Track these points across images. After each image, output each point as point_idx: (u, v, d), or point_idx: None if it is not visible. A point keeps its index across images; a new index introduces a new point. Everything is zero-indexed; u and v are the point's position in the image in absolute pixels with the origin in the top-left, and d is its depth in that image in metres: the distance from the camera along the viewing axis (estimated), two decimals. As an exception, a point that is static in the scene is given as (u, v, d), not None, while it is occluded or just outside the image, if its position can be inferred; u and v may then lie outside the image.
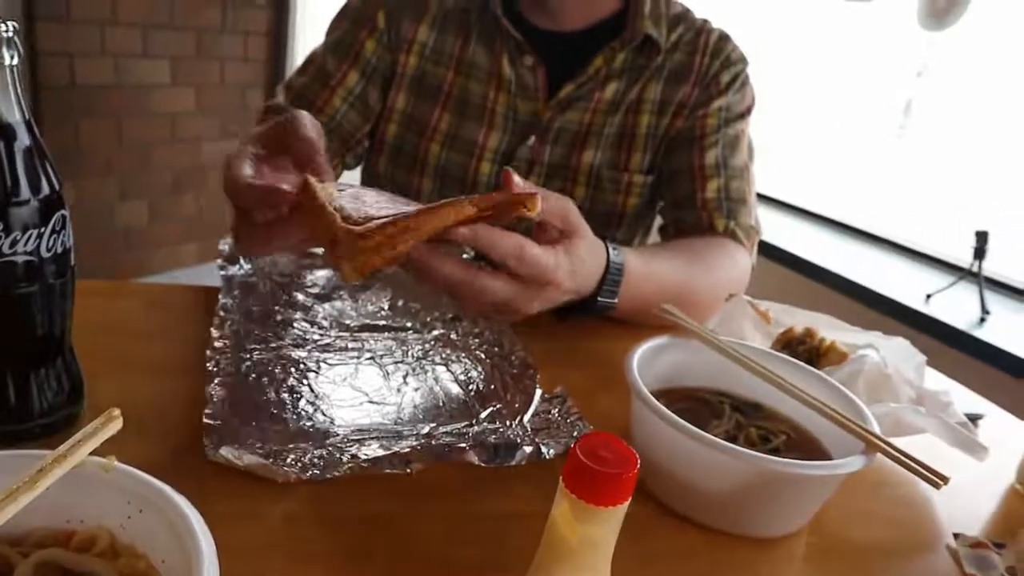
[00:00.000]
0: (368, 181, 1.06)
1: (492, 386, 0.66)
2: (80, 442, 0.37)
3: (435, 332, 0.75)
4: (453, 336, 0.74)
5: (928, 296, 1.72)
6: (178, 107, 2.52)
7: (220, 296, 0.72)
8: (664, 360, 0.63)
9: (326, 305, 0.77)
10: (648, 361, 0.60)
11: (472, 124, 0.96)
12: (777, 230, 2.15)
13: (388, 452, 0.53)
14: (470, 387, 0.66)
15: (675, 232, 0.99)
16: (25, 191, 0.45)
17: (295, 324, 0.72)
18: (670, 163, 0.98)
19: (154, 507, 0.35)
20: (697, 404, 0.62)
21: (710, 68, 0.97)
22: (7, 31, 0.43)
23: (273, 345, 0.67)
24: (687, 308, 0.83)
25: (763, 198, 2.42)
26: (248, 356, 0.65)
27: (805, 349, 0.71)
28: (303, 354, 0.67)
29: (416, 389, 0.65)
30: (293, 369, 0.64)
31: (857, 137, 2.50)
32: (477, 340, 0.74)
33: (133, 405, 0.56)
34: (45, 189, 0.46)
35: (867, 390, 0.65)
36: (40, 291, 0.47)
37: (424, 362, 0.69)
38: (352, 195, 0.57)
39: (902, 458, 0.48)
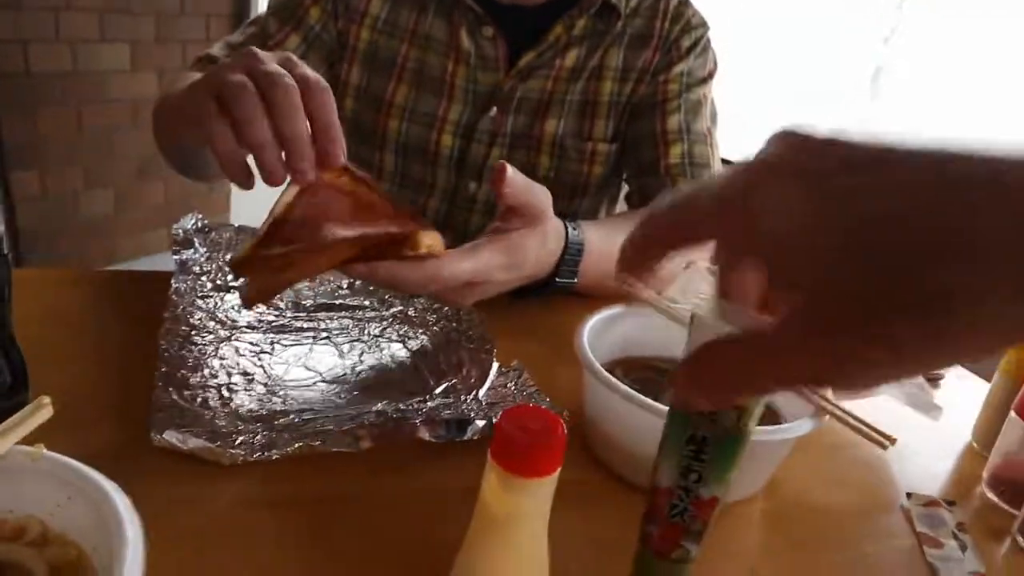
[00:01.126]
0: None
1: (449, 361, 0.66)
2: (7, 431, 0.36)
3: (393, 309, 0.74)
4: (411, 313, 0.74)
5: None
6: (139, 92, 2.47)
7: (173, 280, 0.71)
8: (618, 330, 0.63)
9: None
10: (600, 332, 0.60)
11: (430, 97, 0.95)
12: None
13: (337, 426, 0.53)
14: (426, 363, 0.66)
15: (640, 200, 0.98)
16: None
17: (242, 315, 0.71)
18: (633, 129, 0.98)
19: (83, 494, 0.35)
20: (652, 373, 0.62)
21: (670, 33, 0.96)
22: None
23: (226, 328, 0.66)
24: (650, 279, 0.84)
25: (728, 164, 2.42)
26: (201, 339, 0.64)
27: (762, 315, 0.71)
28: (258, 336, 0.66)
29: (371, 367, 0.64)
30: (247, 352, 0.64)
31: (826, 103, 2.50)
32: (435, 316, 0.73)
33: (80, 393, 0.56)
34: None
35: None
36: (-31, 279, 0.46)
37: (380, 340, 0.69)
38: (310, 207, 0.56)
39: (850, 420, 0.48)
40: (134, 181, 2.55)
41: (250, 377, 0.60)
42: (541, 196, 0.65)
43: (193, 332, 0.64)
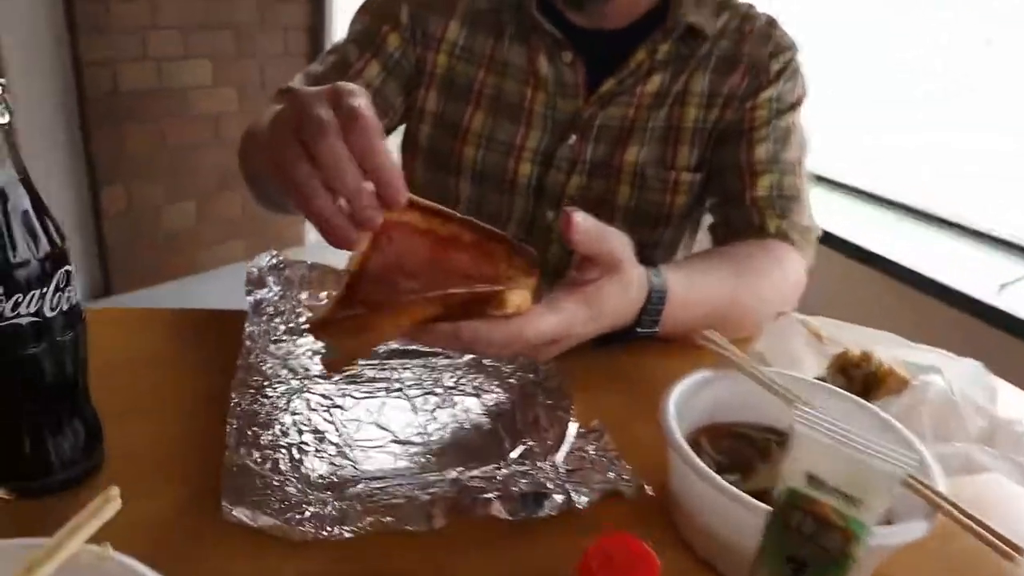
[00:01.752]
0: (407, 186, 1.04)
1: (525, 419, 0.63)
2: (75, 528, 0.35)
3: (467, 356, 0.72)
4: (486, 361, 0.71)
5: (1002, 286, 1.61)
6: (220, 108, 2.53)
7: (246, 323, 0.71)
8: (706, 393, 0.59)
9: None
10: (688, 398, 0.56)
11: (508, 124, 0.92)
12: (833, 214, 2.04)
13: (410, 500, 0.51)
14: (502, 420, 0.63)
15: (724, 232, 0.94)
16: (24, 251, 0.43)
17: (316, 362, 0.69)
18: (719, 158, 0.93)
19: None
20: (741, 443, 0.58)
21: (759, 56, 0.91)
22: (-4, 86, 0.41)
23: (298, 378, 0.65)
24: (735, 326, 0.79)
25: (817, 179, 2.32)
26: (273, 391, 0.63)
27: (862, 375, 0.66)
28: (330, 387, 0.65)
29: (444, 426, 0.62)
30: (319, 405, 0.62)
31: (921, 112, 2.36)
32: (511, 366, 0.71)
33: (150, 453, 0.56)
34: (45, 247, 0.44)
35: (932, 423, 0.60)
36: (47, 350, 0.46)
37: (454, 392, 0.66)
38: (388, 255, 0.54)
39: (971, 525, 0.43)
40: (214, 194, 2.63)
41: (321, 436, 0.59)
42: (617, 243, 0.61)
43: (265, 383, 0.63)
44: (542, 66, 0.90)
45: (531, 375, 0.69)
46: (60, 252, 0.45)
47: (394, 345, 0.72)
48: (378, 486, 0.53)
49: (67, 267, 0.46)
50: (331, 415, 0.61)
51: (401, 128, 1.00)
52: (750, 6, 0.94)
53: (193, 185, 2.53)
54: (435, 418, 0.63)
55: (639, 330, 0.69)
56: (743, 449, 0.57)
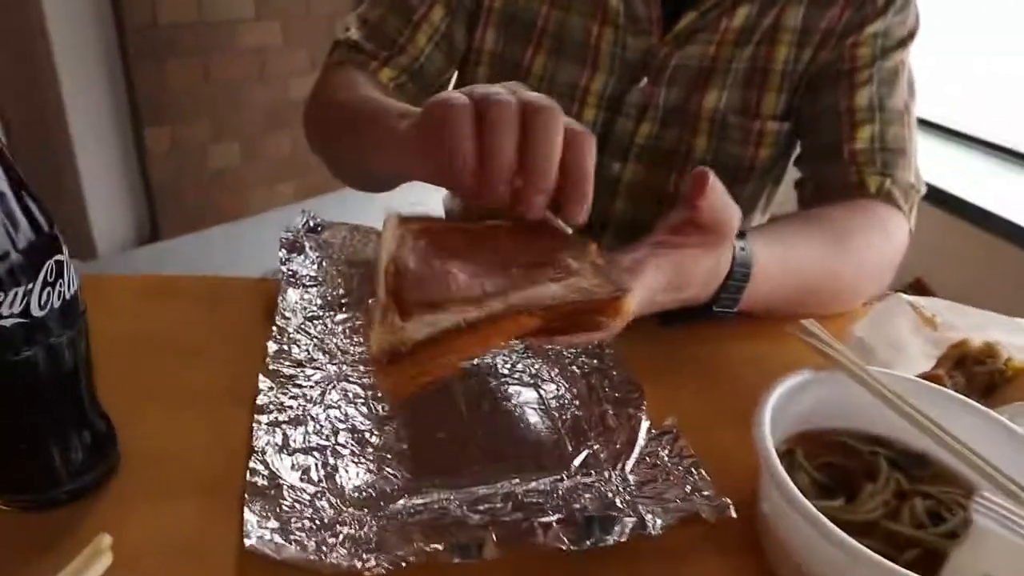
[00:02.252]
0: None
1: (590, 417, 0.55)
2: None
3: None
4: (546, 347, 0.63)
5: None
6: (265, 42, 2.45)
7: (279, 297, 0.64)
8: (805, 397, 0.50)
9: None
10: (784, 404, 0.48)
11: (572, 65, 0.83)
12: (939, 165, 1.83)
13: (458, 522, 0.44)
14: (563, 418, 0.55)
15: (814, 190, 0.82)
16: (1, 243, 0.36)
17: (361, 330, 0.63)
18: (812, 104, 0.81)
19: None
20: (844, 458, 0.49)
21: None
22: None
23: (335, 363, 0.59)
24: (828, 301, 0.70)
25: (922, 124, 2.12)
26: (305, 381, 0.56)
27: (985, 372, 0.56)
28: (369, 374, 0.58)
29: (497, 423, 0.55)
30: (357, 398, 0.56)
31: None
32: (573, 350, 0.63)
33: (170, 448, 0.50)
34: (27, 235, 0.37)
35: (1075, 437, 0.50)
36: (41, 354, 0.39)
37: (510, 381, 0.59)
38: (428, 242, 0.47)
39: None
40: (261, 133, 2.57)
41: (359, 435, 0.52)
42: (735, 216, 0.54)
43: (298, 370, 0.57)
44: None
45: (595, 361, 0.61)
46: (47, 240, 0.38)
47: None
48: (421, 502, 0.46)
49: (57, 257, 0.39)
50: (370, 409, 0.55)
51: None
52: None
53: (239, 124, 2.47)
54: (486, 410, 0.56)
55: (715, 309, 0.61)
56: (846, 464, 0.49)
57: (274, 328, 0.60)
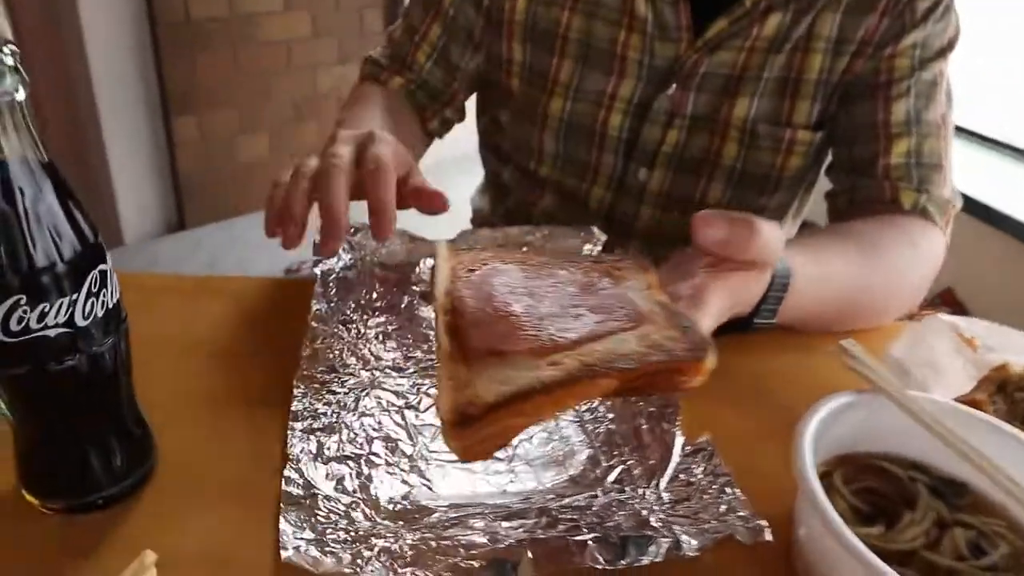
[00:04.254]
0: (490, 134, 0.97)
1: (624, 430, 0.55)
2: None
3: None
4: None
5: None
6: (293, 33, 2.45)
7: (313, 301, 0.64)
8: (845, 420, 0.49)
9: (429, 308, 0.67)
10: (824, 428, 0.47)
11: (598, 72, 0.81)
12: (970, 173, 1.78)
13: (493, 537, 0.44)
14: (597, 432, 0.55)
15: (848, 204, 0.80)
16: (48, 254, 0.36)
17: (395, 336, 0.63)
18: (847, 116, 0.80)
19: None
20: (883, 482, 0.49)
21: None
22: (8, 57, 0.34)
23: (368, 368, 0.59)
24: (862, 316, 0.70)
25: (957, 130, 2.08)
26: (340, 387, 0.56)
27: (1027, 397, 0.55)
28: (403, 381, 0.58)
29: (531, 435, 0.54)
30: (391, 406, 0.56)
31: None
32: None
33: (204, 457, 0.50)
34: (74, 246, 0.38)
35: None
36: (83, 362, 0.39)
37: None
38: (483, 276, 0.46)
39: None
40: (288, 123, 2.57)
41: (393, 445, 0.52)
42: (781, 242, 0.52)
43: (332, 376, 0.57)
44: (639, 5, 0.78)
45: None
46: (92, 250, 0.39)
47: None
48: (456, 516, 0.46)
49: (101, 267, 0.39)
50: (404, 418, 0.55)
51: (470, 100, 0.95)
52: None
53: (267, 115, 2.48)
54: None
55: (756, 321, 0.60)
56: (884, 490, 0.48)
57: (308, 332, 0.61)
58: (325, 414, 0.53)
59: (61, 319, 0.37)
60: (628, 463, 0.52)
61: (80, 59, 2.08)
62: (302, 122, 2.61)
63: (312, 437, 0.51)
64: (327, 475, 0.48)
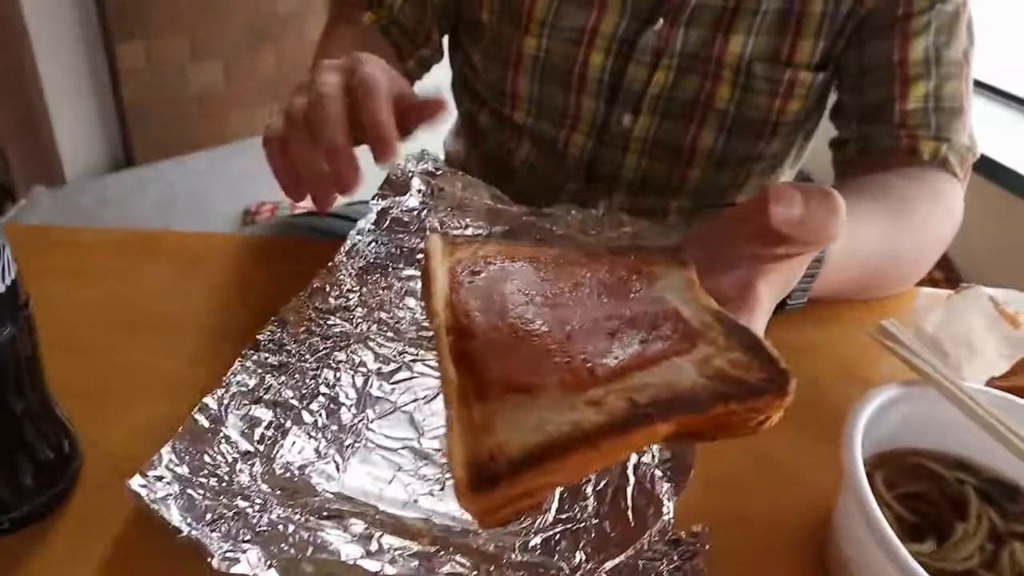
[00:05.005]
0: (463, 74, 0.89)
1: (603, 484, 0.43)
2: None
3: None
4: None
5: None
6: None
7: (349, 238, 0.59)
8: (890, 414, 0.43)
9: None
10: (869, 426, 0.41)
11: (576, 6, 0.74)
12: (996, 134, 1.69)
13: (347, 560, 0.37)
14: None
15: (857, 153, 0.74)
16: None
17: (417, 294, 0.56)
18: (859, 56, 0.73)
19: None
20: (930, 485, 0.43)
21: None
22: None
23: (368, 321, 0.53)
24: (892, 283, 0.66)
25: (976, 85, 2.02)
26: (322, 329, 0.51)
27: (1078, 383, 0.49)
28: (391, 346, 0.51)
29: None
30: (360, 368, 0.49)
31: None
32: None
33: (137, 461, 0.42)
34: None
35: None
36: (-33, 362, 0.31)
37: None
38: (490, 282, 0.37)
39: None
40: (244, 51, 2.41)
41: (333, 408, 0.46)
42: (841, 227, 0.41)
43: (323, 316, 0.52)
44: None
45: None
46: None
47: None
48: (337, 508, 0.40)
49: (-10, 240, 0.30)
50: (366, 384, 0.48)
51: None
52: None
53: (220, 41, 2.31)
54: None
55: (790, 303, 0.54)
56: (931, 495, 0.42)
57: (330, 264, 0.56)
58: (288, 351, 0.49)
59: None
60: (578, 527, 0.41)
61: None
62: (259, 48, 2.44)
63: (258, 372, 0.47)
64: (244, 416, 0.44)
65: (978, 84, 1.90)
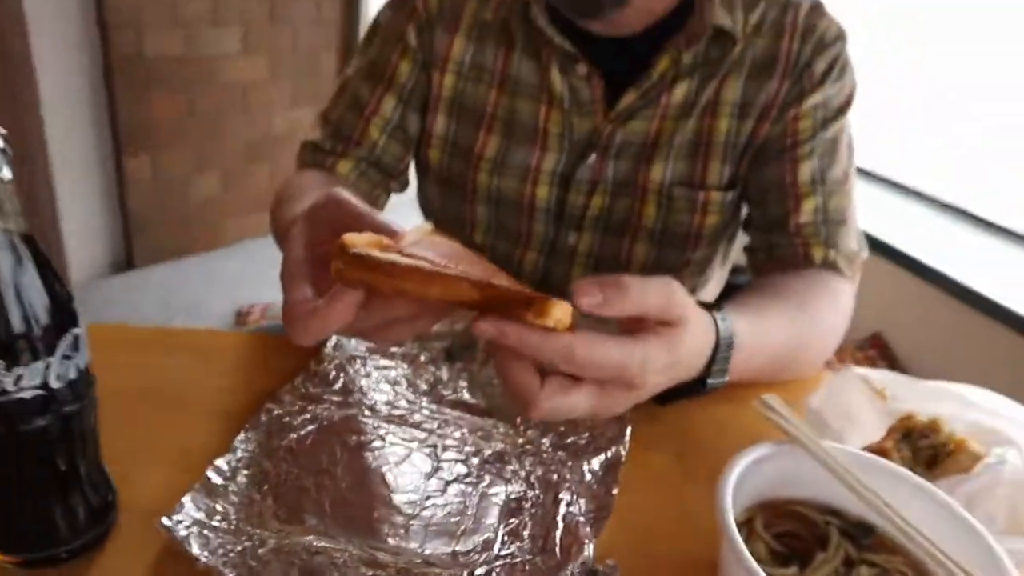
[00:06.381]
0: (421, 207, 0.99)
1: (538, 527, 0.54)
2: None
3: (529, 431, 0.63)
4: (544, 442, 0.62)
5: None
6: (250, 76, 2.48)
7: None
8: (765, 468, 0.54)
9: (445, 367, 0.69)
10: (744, 476, 0.52)
11: (523, 147, 0.86)
12: (886, 218, 1.90)
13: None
14: (512, 522, 0.54)
15: (765, 259, 0.86)
16: (27, 320, 0.39)
17: (387, 385, 0.67)
18: (757, 177, 0.85)
19: None
20: (800, 525, 0.53)
21: (800, 55, 0.81)
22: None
23: (352, 405, 0.63)
24: (798, 368, 0.75)
25: (864, 174, 2.20)
26: (313, 412, 0.61)
27: (928, 445, 0.60)
28: (368, 418, 0.62)
29: (445, 504, 0.55)
30: (344, 431, 0.60)
31: (988, 104, 2.16)
32: (562, 453, 0.61)
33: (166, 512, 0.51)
34: (51, 313, 0.40)
35: (1008, 510, 0.54)
36: (53, 423, 0.42)
37: (490, 469, 0.59)
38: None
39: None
40: (241, 164, 2.58)
41: (326, 470, 0.56)
42: (679, 292, 0.52)
43: (308, 402, 0.63)
44: (555, 82, 0.83)
45: (585, 466, 0.60)
46: (66, 316, 0.41)
47: (466, 395, 0.67)
48: (323, 544, 0.49)
49: (75, 331, 0.42)
50: (351, 452, 0.58)
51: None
52: None
53: (220, 156, 2.49)
54: (445, 491, 0.56)
55: (710, 381, 0.61)
56: (801, 533, 0.53)
57: (318, 356, 0.67)
58: (284, 425, 0.59)
59: (36, 381, 0.40)
60: (515, 561, 0.50)
61: (30, 92, 2.06)
62: (255, 163, 2.63)
63: (260, 442, 0.57)
64: (248, 475, 0.54)
65: (922, 195, 2.09)
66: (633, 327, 0.52)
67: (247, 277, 2.37)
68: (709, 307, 0.60)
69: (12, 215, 0.39)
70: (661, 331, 0.51)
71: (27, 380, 0.39)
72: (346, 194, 0.51)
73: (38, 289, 0.40)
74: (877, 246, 1.73)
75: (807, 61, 0.81)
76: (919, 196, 2.14)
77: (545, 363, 0.47)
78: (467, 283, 0.44)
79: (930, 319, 1.75)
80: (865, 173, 2.20)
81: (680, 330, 0.52)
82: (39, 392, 0.40)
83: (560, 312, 0.45)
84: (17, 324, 0.39)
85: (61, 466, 0.44)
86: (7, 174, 0.38)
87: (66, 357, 0.41)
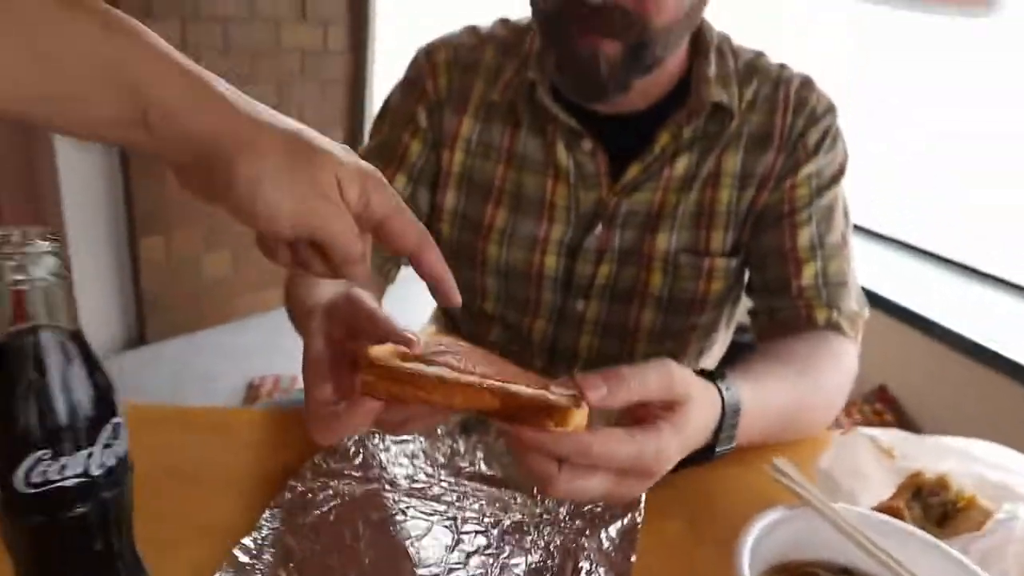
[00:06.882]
0: None
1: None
2: None
3: (546, 502, 0.65)
4: (561, 510, 0.64)
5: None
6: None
7: None
8: (780, 532, 0.55)
9: (461, 439, 0.72)
10: (761, 539, 0.53)
11: (530, 220, 0.90)
12: (888, 274, 1.94)
13: None
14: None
15: (768, 322, 0.89)
16: (73, 412, 0.41)
17: (405, 459, 0.68)
18: (758, 244, 0.89)
19: None
20: (815, 587, 0.54)
21: (793, 127, 0.86)
22: (51, 244, 0.40)
23: (371, 481, 0.65)
24: (803, 429, 0.77)
25: (867, 233, 2.24)
26: (333, 489, 0.63)
27: (938, 502, 0.62)
28: (390, 495, 0.64)
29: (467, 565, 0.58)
30: (366, 505, 0.62)
31: (989, 159, 2.20)
32: (580, 523, 0.63)
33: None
34: (95, 405, 0.42)
35: (1020, 568, 0.55)
36: (92, 510, 0.44)
37: (507, 540, 0.61)
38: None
39: None
40: (251, 243, 2.61)
41: (347, 546, 0.58)
42: (678, 374, 0.56)
43: (329, 477, 0.64)
44: (561, 157, 0.87)
45: (602, 534, 0.62)
46: (109, 406, 0.44)
47: (483, 466, 0.69)
48: None
49: (115, 420, 0.44)
50: (373, 526, 0.60)
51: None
52: (782, 67, 0.89)
53: (230, 233, 2.54)
54: (467, 564, 0.58)
55: (718, 449, 0.63)
56: (817, 596, 0.54)
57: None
58: (307, 501, 0.61)
59: (79, 470, 0.42)
60: None
61: (51, 181, 2.13)
62: (264, 239, 2.67)
63: (284, 519, 0.59)
64: (274, 552, 0.56)
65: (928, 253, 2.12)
66: (640, 413, 0.55)
67: (258, 349, 2.39)
68: (712, 375, 0.63)
69: (65, 314, 0.41)
70: (669, 416, 0.54)
71: (70, 469, 0.42)
72: (360, 294, 0.56)
73: (83, 383, 0.42)
74: (880, 302, 1.76)
75: (800, 133, 0.86)
76: (920, 252, 2.18)
77: (563, 455, 0.50)
78: (488, 393, 0.48)
79: (935, 372, 1.76)
80: (867, 231, 2.24)
81: (687, 408, 0.55)
82: (81, 479, 0.42)
83: (580, 418, 0.49)
84: (63, 417, 0.41)
85: (99, 549, 0.46)
86: (63, 273, 0.40)
87: (107, 446, 0.43)
